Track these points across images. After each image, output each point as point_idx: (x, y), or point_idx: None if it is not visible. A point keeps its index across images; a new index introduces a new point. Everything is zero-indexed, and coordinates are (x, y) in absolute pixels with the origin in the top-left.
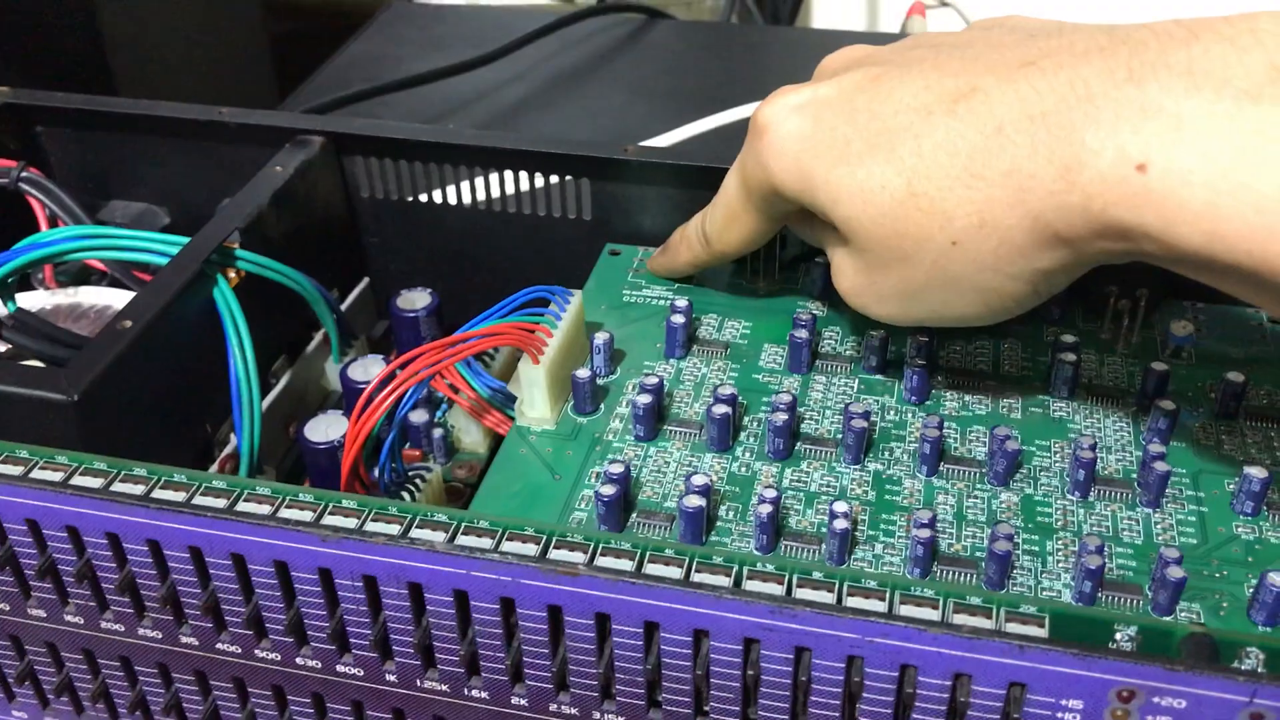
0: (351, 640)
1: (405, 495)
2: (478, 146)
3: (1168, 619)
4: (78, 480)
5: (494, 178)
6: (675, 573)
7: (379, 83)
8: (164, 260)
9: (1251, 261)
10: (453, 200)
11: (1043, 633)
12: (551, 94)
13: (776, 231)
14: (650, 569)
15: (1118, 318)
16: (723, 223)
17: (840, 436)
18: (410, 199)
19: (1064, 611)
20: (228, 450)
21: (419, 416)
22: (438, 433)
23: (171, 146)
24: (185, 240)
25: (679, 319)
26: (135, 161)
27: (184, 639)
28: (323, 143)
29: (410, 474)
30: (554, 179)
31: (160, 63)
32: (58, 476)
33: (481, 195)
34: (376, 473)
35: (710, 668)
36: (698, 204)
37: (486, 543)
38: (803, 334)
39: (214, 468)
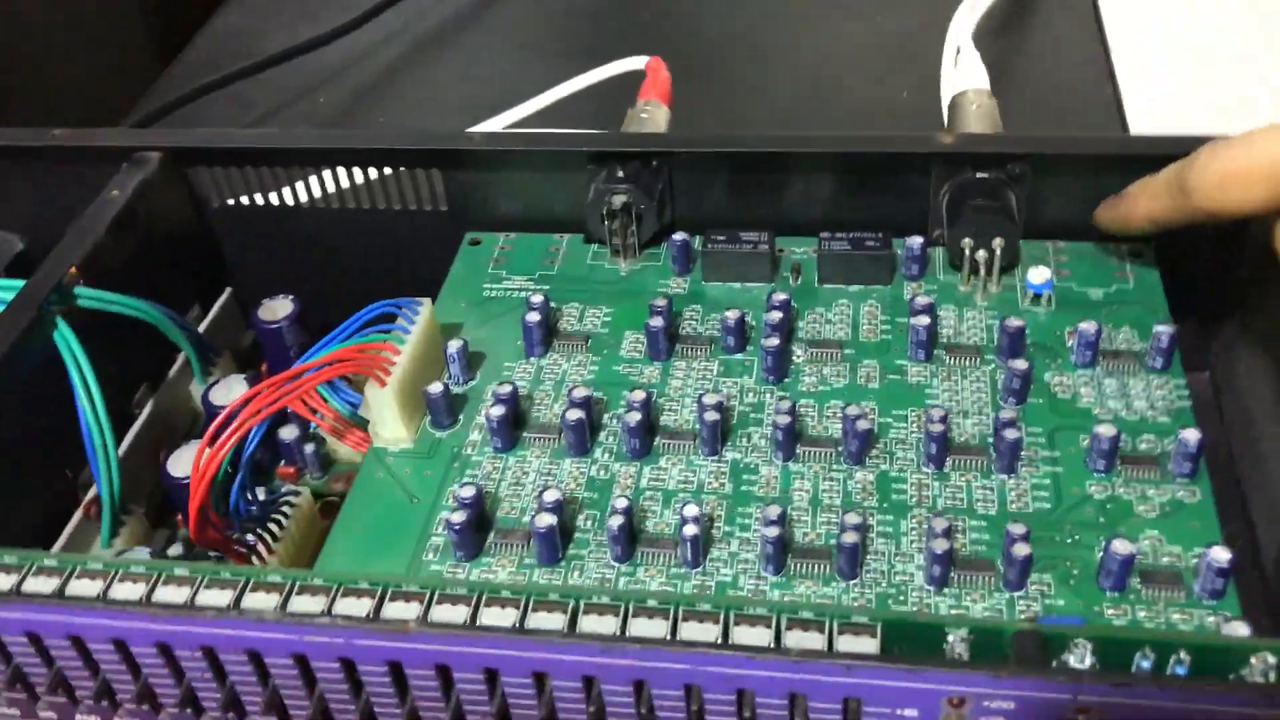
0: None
1: (272, 527)
2: (320, 148)
3: (999, 618)
4: None
5: (346, 175)
6: (512, 615)
7: (247, 63)
8: (1, 308)
9: None
10: (305, 201)
11: (874, 645)
12: (428, 55)
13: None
14: (486, 616)
15: (976, 270)
16: (1232, 153)
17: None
18: (262, 204)
19: (896, 620)
20: (91, 494)
21: (290, 433)
22: (309, 447)
23: (14, 171)
24: (20, 284)
25: (535, 316)
26: None
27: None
28: (161, 158)
29: (279, 500)
30: (404, 170)
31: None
32: None
33: (335, 194)
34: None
35: (554, 704)
36: (556, 186)
37: (320, 602)
38: (658, 321)
39: (78, 513)
